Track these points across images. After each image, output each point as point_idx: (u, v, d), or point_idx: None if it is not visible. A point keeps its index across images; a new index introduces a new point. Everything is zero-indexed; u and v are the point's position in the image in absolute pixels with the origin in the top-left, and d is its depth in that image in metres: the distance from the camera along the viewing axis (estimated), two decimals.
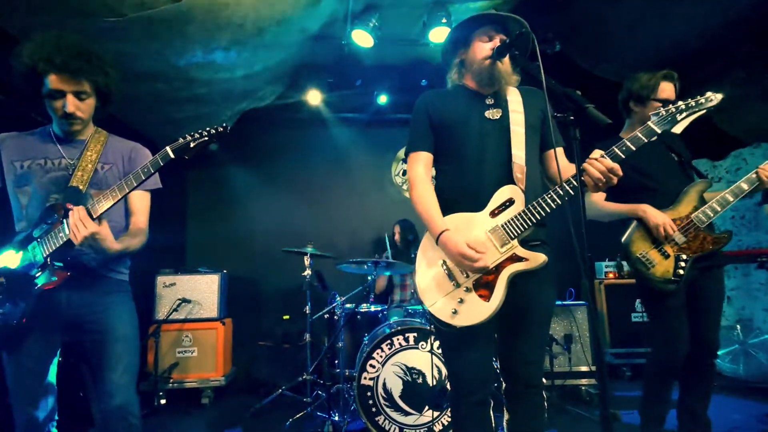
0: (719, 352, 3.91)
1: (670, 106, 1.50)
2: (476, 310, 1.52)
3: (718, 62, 3.99)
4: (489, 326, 1.56)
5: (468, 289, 1.55)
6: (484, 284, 1.54)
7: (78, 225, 1.47)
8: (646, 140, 1.48)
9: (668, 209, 2.10)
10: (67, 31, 1.66)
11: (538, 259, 1.52)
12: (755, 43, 3.65)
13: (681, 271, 2.03)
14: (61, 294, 1.61)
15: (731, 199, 2.04)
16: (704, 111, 1.50)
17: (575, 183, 1.45)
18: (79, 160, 1.70)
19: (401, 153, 5.24)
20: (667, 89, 2.21)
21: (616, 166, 1.42)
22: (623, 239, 2.14)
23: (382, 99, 4.70)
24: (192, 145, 1.56)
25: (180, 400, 3.72)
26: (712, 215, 2.05)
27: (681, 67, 4.06)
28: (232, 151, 4.83)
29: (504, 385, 1.69)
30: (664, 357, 2.12)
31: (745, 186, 2.03)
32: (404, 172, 5.22)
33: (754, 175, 2.03)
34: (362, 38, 3.65)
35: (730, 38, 3.63)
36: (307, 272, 3.55)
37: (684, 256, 2.04)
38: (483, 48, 1.66)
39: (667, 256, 2.06)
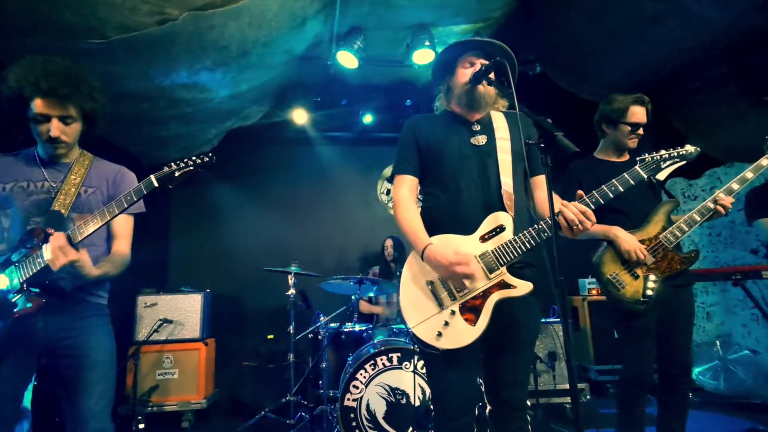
0: (700, 368, 4.00)
1: (655, 153, 1.62)
2: (461, 334, 1.51)
3: (693, 83, 4.14)
4: (474, 349, 1.54)
5: (453, 312, 1.53)
6: (470, 308, 1.53)
7: (57, 253, 1.47)
8: (633, 183, 1.59)
9: (637, 230, 2.15)
10: (52, 54, 1.67)
11: (525, 287, 1.52)
12: (729, 66, 3.79)
13: (650, 292, 2.07)
14: (37, 319, 1.58)
15: (698, 218, 2.09)
16: (684, 161, 1.64)
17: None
18: (62, 183, 1.69)
19: (387, 171, 5.29)
20: (637, 113, 2.29)
21: (589, 211, 1.47)
22: (594, 259, 2.19)
23: (368, 118, 4.76)
24: (177, 174, 1.57)
25: (160, 424, 3.63)
26: (680, 235, 2.10)
27: (657, 88, 4.25)
28: (217, 169, 4.80)
29: (488, 407, 1.68)
30: (634, 375, 2.15)
31: (711, 205, 2.08)
32: (389, 191, 5.26)
33: (711, 204, 2.09)
34: (347, 59, 3.72)
35: (705, 61, 3.77)
36: (291, 291, 3.53)
37: (653, 277, 2.09)
38: (464, 74, 1.69)
39: (636, 277, 2.10)
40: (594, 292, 4.40)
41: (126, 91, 3.06)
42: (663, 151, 1.62)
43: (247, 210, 4.91)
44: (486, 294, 1.53)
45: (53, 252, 1.47)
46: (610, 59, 4.00)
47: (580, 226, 1.47)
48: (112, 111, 1.80)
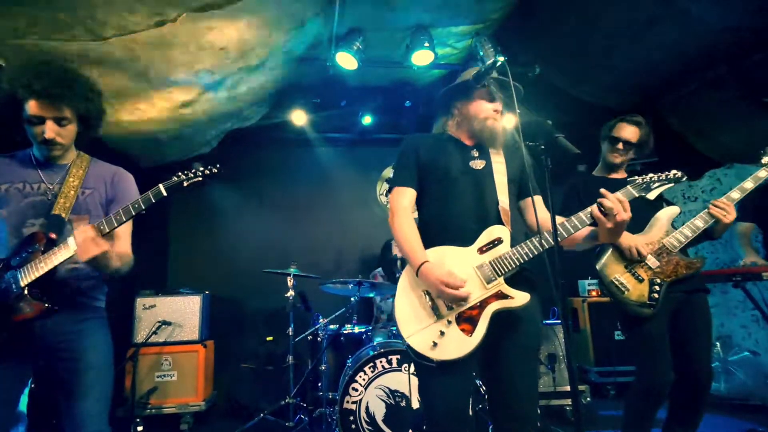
0: None
1: (645, 176, 1.66)
2: (457, 345, 1.50)
3: (692, 85, 4.13)
4: (469, 360, 1.53)
5: (450, 322, 1.53)
6: (467, 318, 1.52)
7: (88, 244, 1.46)
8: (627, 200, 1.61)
9: (640, 234, 2.15)
10: (48, 55, 1.66)
11: (522, 298, 1.53)
12: (727, 67, 3.79)
13: (656, 295, 2.05)
14: (35, 323, 1.56)
15: (701, 225, 2.09)
16: (672, 184, 1.68)
17: (561, 231, 1.57)
18: (61, 185, 1.67)
19: (386, 172, 5.28)
20: (624, 129, 2.34)
21: (626, 201, 1.51)
22: (598, 264, 2.18)
23: (367, 120, 4.75)
24: (185, 184, 1.58)
25: (158, 426, 3.61)
26: (683, 240, 2.10)
27: (656, 90, 4.25)
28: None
29: (493, 421, 1.65)
30: (647, 383, 2.09)
31: (709, 216, 2.09)
32: (389, 192, 5.25)
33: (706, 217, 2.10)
34: (346, 61, 3.70)
35: (704, 62, 3.77)
36: (291, 293, 3.52)
37: (658, 281, 2.08)
38: (486, 106, 1.74)
39: (641, 281, 2.09)
40: (594, 293, 4.39)
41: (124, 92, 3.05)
42: (652, 174, 1.67)
43: (245, 211, 4.90)
44: (483, 304, 1.53)
45: (84, 243, 1.46)
46: (609, 61, 3.99)
47: (619, 214, 1.48)
48: (107, 112, 1.79)
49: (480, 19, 3.61)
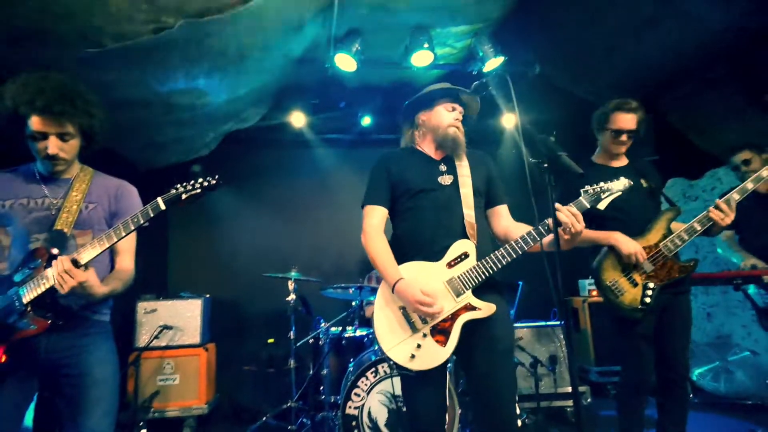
0: (700, 369, 4.01)
1: (596, 186, 1.70)
2: (433, 355, 1.62)
3: (691, 84, 4.12)
4: (444, 368, 1.67)
5: (425, 335, 1.64)
6: (440, 330, 1.64)
7: (64, 276, 1.44)
8: (580, 211, 1.66)
9: (638, 237, 2.16)
10: (47, 64, 1.65)
11: (489, 309, 1.64)
12: (727, 66, 3.77)
13: (648, 300, 2.09)
14: (39, 339, 1.56)
15: (698, 228, 2.10)
16: (620, 192, 1.72)
17: (521, 243, 1.65)
18: (64, 200, 1.67)
19: None
20: (620, 119, 2.28)
21: (579, 215, 1.59)
22: (593, 265, 2.20)
23: (366, 120, 4.73)
24: (184, 197, 1.57)
25: (161, 430, 3.62)
26: (680, 244, 2.11)
27: (657, 88, 4.23)
28: (215, 173, 4.78)
29: (476, 423, 1.76)
30: (634, 379, 2.19)
31: (711, 215, 2.08)
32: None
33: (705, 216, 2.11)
34: (345, 62, 3.68)
35: (703, 61, 3.75)
36: (291, 297, 3.52)
37: (651, 285, 2.11)
38: (446, 115, 1.83)
39: (635, 285, 2.12)
40: (594, 293, 4.38)
41: (122, 98, 3.03)
42: (603, 184, 1.71)
43: (245, 214, 4.88)
44: (454, 316, 1.65)
45: (59, 276, 1.45)
46: (609, 59, 3.97)
47: (573, 227, 1.56)
48: (110, 125, 1.78)
49: (480, 18, 3.59)
